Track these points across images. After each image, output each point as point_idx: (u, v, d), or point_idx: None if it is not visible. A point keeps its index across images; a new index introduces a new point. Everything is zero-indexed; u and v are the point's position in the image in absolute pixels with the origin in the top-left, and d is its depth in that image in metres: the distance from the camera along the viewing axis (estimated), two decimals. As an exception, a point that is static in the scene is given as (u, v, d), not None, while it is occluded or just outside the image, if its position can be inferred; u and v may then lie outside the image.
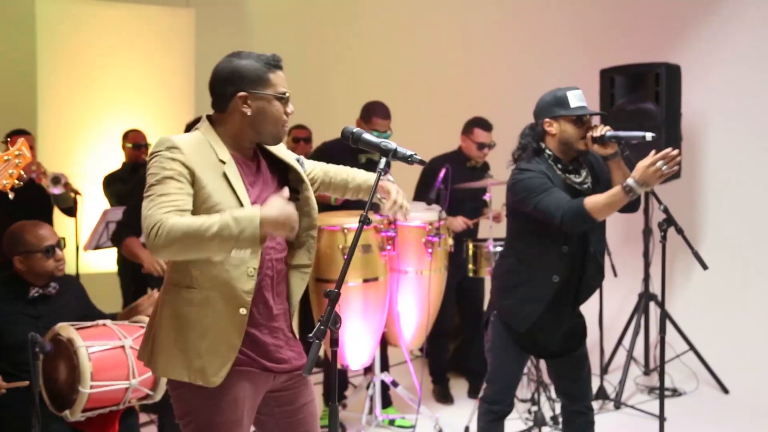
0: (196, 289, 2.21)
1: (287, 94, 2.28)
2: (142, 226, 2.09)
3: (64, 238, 3.55)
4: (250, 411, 2.32)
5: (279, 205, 2.09)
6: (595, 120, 3.22)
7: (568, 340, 3.25)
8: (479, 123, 4.96)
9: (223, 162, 2.22)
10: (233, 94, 2.24)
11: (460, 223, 4.80)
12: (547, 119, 3.10)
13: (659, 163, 2.80)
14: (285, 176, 2.42)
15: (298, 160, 2.46)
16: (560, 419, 4.25)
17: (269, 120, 2.26)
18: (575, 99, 3.08)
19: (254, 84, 2.24)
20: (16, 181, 2.22)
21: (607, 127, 3.08)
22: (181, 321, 2.22)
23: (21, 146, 2.25)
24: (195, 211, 2.15)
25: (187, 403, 2.26)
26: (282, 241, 2.35)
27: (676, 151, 2.81)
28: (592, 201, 2.91)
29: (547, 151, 3.11)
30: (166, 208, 2.07)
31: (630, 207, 3.15)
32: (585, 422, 3.28)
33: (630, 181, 2.84)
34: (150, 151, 2.19)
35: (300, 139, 5.92)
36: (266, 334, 2.30)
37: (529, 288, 3.13)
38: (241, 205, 2.19)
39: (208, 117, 2.33)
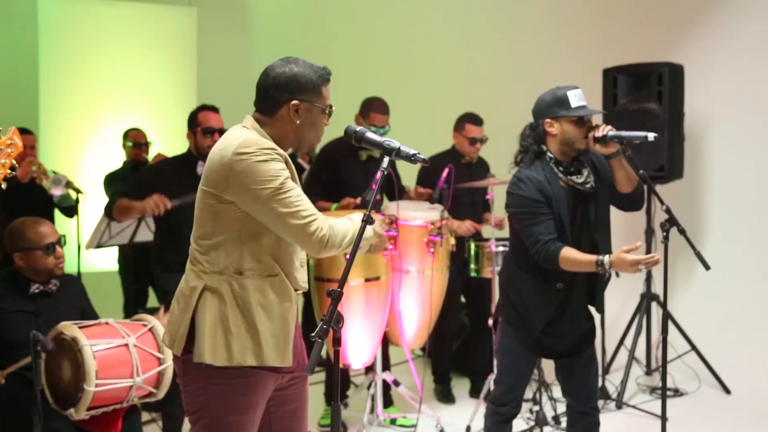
0: (277, 276, 2.29)
1: (333, 108, 2.37)
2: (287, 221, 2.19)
3: (64, 236, 3.55)
4: (260, 411, 2.34)
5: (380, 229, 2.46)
6: (597, 119, 3.22)
7: (578, 341, 3.25)
8: (470, 118, 4.97)
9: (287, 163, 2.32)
10: (287, 101, 2.28)
11: (468, 227, 4.80)
12: (547, 119, 3.08)
13: (642, 266, 2.86)
14: None
15: None
16: (561, 419, 4.28)
17: (313, 130, 2.35)
18: (576, 99, 3.07)
19: (308, 94, 2.30)
20: (9, 171, 2.21)
21: (609, 127, 3.07)
22: (266, 308, 2.28)
23: (12, 135, 2.23)
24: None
25: (201, 399, 2.27)
26: None
27: (658, 258, 2.86)
28: (566, 256, 2.95)
29: (549, 154, 3.10)
30: (313, 211, 2.25)
31: (633, 204, 3.14)
32: (590, 423, 3.27)
33: (606, 259, 2.90)
34: (240, 152, 2.20)
35: None
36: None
37: (534, 296, 3.13)
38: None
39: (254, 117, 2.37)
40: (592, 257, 2.93)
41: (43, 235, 3.38)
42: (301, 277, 2.38)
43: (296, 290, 2.35)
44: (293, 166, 2.31)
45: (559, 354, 3.23)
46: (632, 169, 3.10)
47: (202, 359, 2.23)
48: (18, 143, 2.27)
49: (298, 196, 2.21)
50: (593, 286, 3.20)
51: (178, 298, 2.35)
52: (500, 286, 3.32)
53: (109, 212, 4.13)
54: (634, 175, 3.09)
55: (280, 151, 2.25)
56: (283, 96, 2.28)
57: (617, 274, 4.66)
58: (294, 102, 2.27)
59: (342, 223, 2.31)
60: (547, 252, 2.97)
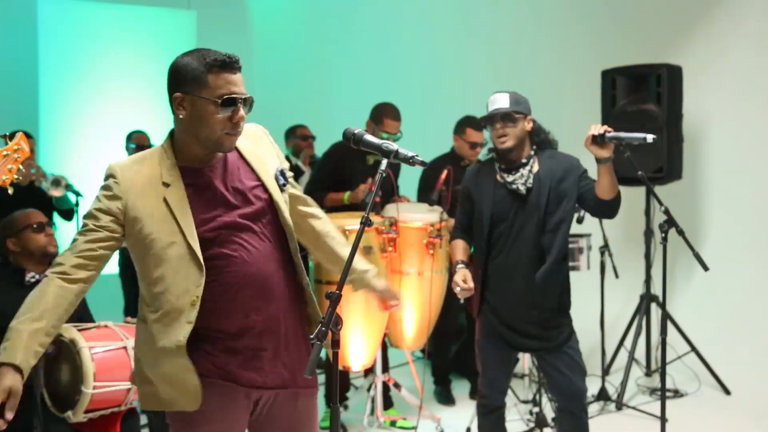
0: (144, 324, 2.22)
1: (228, 97, 2.07)
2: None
3: (55, 223, 3.60)
4: (232, 423, 2.23)
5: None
6: (596, 120, 3.24)
7: (542, 332, 3.26)
8: (471, 123, 4.98)
9: (166, 185, 2.13)
10: (171, 95, 2.14)
11: None
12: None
13: (457, 289, 3.16)
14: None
15: (282, 172, 2.33)
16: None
17: (205, 125, 2.09)
18: (490, 104, 3.35)
19: (188, 85, 2.09)
20: (15, 176, 2.21)
21: (606, 127, 3.07)
22: (139, 350, 2.26)
23: (19, 141, 2.24)
24: (135, 239, 2.15)
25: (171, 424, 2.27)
26: (273, 250, 2.24)
27: (470, 287, 3.18)
28: (453, 248, 3.38)
29: (492, 155, 3.37)
30: (62, 265, 2.13)
31: (609, 212, 3.19)
32: (577, 425, 3.26)
33: (461, 267, 3.24)
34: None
35: (308, 137, 5.92)
36: (248, 348, 2.21)
37: (494, 287, 3.30)
38: (182, 233, 2.10)
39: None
40: (457, 258, 3.30)
41: (32, 215, 3.45)
42: (184, 320, 2.12)
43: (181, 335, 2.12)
44: (145, 202, 2.13)
45: (524, 345, 3.32)
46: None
47: None
48: (25, 148, 2.27)
49: (82, 235, 2.15)
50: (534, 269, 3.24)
51: None
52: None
53: None
54: (617, 183, 3.11)
55: (118, 177, 2.15)
56: (170, 91, 2.13)
57: (617, 275, 4.69)
58: (176, 95, 2.11)
59: (36, 300, 2.19)
60: (451, 240, 3.42)
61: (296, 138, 6.33)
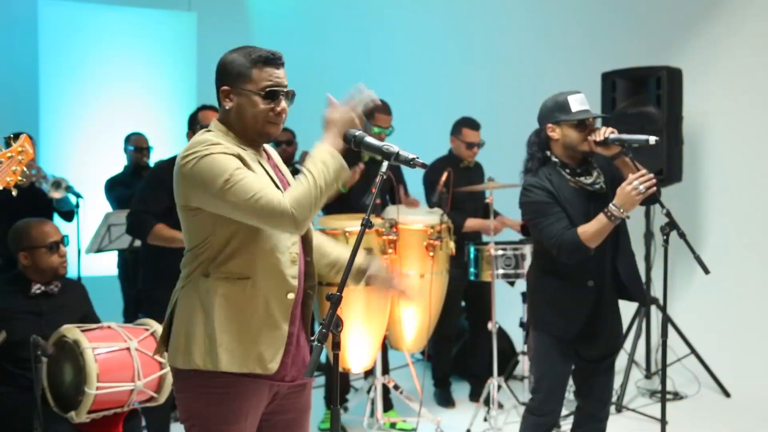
0: (249, 279, 2.19)
1: (271, 90, 2.21)
2: (258, 212, 2.09)
3: (67, 236, 3.59)
4: (254, 420, 2.29)
5: (338, 111, 2.25)
6: (597, 121, 3.23)
7: (611, 343, 3.25)
8: (467, 123, 4.99)
9: (255, 159, 2.24)
10: (218, 89, 2.25)
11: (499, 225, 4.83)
12: (549, 124, 3.12)
13: (635, 182, 2.88)
14: None
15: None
16: (561, 423, 4.27)
17: (249, 117, 2.22)
18: (576, 103, 3.10)
19: (235, 79, 2.22)
20: (20, 179, 2.22)
21: (610, 129, 3.09)
22: (231, 312, 2.19)
23: (23, 143, 2.24)
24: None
25: (193, 407, 2.25)
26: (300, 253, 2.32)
27: (650, 174, 2.91)
28: (583, 231, 2.98)
29: (553, 158, 3.13)
30: (265, 188, 2.11)
31: (648, 199, 3.09)
32: (599, 430, 3.27)
33: (611, 206, 2.93)
34: (185, 155, 2.16)
35: (281, 142, 5.75)
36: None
37: (566, 299, 3.13)
38: (281, 190, 2.19)
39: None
40: (600, 215, 2.95)
41: (47, 233, 3.42)
42: (291, 273, 2.25)
43: (288, 292, 2.24)
44: (255, 159, 2.22)
45: (593, 358, 3.21)
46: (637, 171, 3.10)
47: (171, 362, 2.24)
48: (29, 150, 2.28)
49: (251, 182, 2.11)
50: (619, 279, 3.19)
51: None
52: (528, 295, 3.34)
53: (140, 235, 4.08)
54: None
55: (227, 145, 2.16)
56: (217, 84, 2.26)
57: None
58: (223, 88, 2.24)
59: (300, 183, 2.14)
60: (565, 241, 2.98)
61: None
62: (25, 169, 2.18)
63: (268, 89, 2.21)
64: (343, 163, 2.18)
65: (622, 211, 2.92)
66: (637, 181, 2.89)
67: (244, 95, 2.21)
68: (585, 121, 3.10)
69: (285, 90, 2.25)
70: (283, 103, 2.25)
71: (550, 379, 3.19)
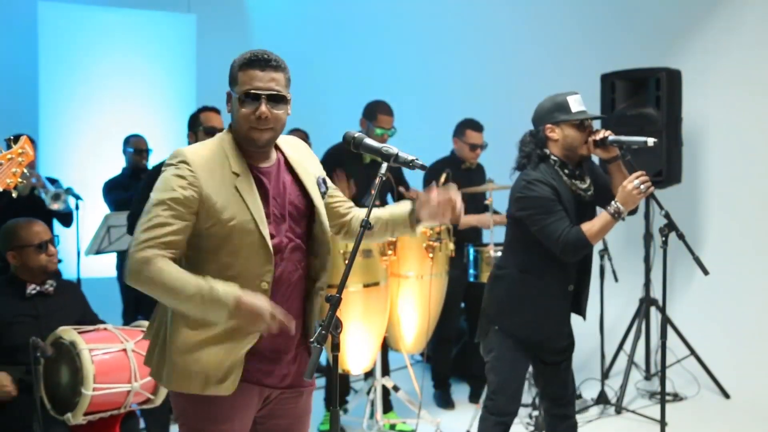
0: None
1: (249, 93, 2.14)
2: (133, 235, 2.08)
3: (58, 236, 3.59)
4: (244, 421, 2.26)
5: (261, 301, 2.06)
6: (595, 123, 3.24)
7: (566, 344, 3.27)
8: (470, 124, 4.99)
9: (236, 174, 2.16)
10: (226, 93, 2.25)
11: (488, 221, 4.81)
12: (548, 125, 3.10)
13: (636, 182, 2.91)
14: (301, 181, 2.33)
15: (324, 180, 2.39)
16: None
17: (235, 120, 2.20)
18: (576, 103, 3.09)
19: (230, 83, 2.21)
20: (20, 180, 2.22)
21: (608, 132, 3.10)
22: (183, 329, 2.15)
23: (24, 144, 2.24)
24: (210, 226, 2.12)
25: (180, 407, 2.25)
26: (301, 258, 2.29)
27: (645, 175, 2.96)
28: (588, 228, 2.98)
29: (553, 157, 3.11)
30: (159, 244, 2.05)
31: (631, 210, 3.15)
32: (571, 425, 3.29)
33: (615, 204, 2.95)
34: (164, 161, 2.17)
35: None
36: (270, 350, 2.25)
37: (546, 301, 3.13)
38: (254, 219, 2.13)
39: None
40: (604, 213, 2.98)
41: (35, 233, 3.42)
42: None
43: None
44: (219, 191, 2.13)
45: (551, 360, 3.23)
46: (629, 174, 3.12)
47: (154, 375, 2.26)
48: (29, 152, 2.27)
49: (156, 216, 2.07)
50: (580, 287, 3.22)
51: None
52: (490, 296, 3.26)
53: None
54: None
55: (192, 164, 2.11)
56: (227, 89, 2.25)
57: (616, 279, 4.69)
58: (227, 92, 2.23)
59: (184, 276, 2.06)
60: (571, 239, 2.96)
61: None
62: (25, 170, 2.17)
63: (245, 92, 2.14)
64: (212, 316, 2.08)
65: (622, 209, 2.93)
66: (637, 181, 2.92)
67: (232, 99, 2.20)
68: (584, 123, 3.09)
69: (266, 93, 2.14)
70: (263, 107, 2.14)
71: (513, 380, 3.19)
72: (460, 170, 4.91)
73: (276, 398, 2.31)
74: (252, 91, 2.14)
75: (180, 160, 2.13)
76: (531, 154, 3.13)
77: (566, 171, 3.10)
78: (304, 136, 5.76)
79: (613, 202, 2.95)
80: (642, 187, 2.91)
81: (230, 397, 2.18)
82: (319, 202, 2.32)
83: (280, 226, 2.23)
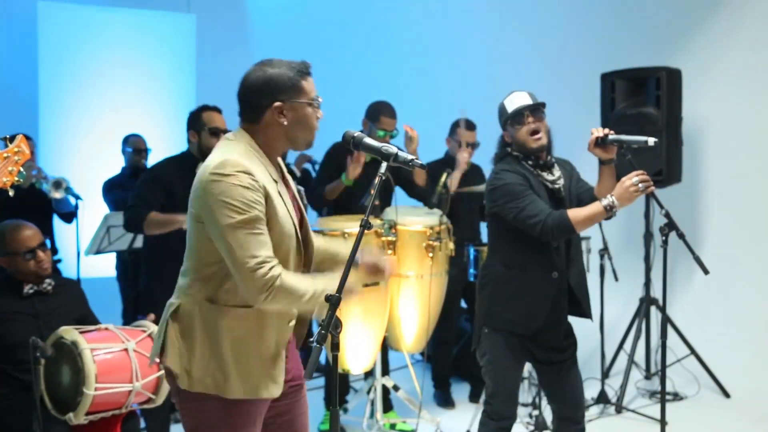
0: (252, 308, 2.18)
1: (320, 99, 2.29)
2: (241, 264, 2.07)
3: (47, 240, 3.56)
4: (261, 423, 2.31)
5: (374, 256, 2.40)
6: (595, 123, 3.24)
7: (565, 342, 3.25)
8: (462, 123, 4.99)
9: (275, 181, 2.23)
10: (268, 105, 2.21)
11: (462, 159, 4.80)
12: (503, 132, 3.22)
13: (635, 179, 2.90)
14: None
15: (300, 192, 2.46)
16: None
17: (305, 128, 2.26)
18: (511, 103, 3.16)
19: (288, 93, 2.22)
20: (16, 179, 2.21)
21: (607, 130, 3.10)
22: (237, 341, 2.19)
23: (20, 143, 2.23)
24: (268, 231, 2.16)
25: (201, 416, 2.23)
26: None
27: (645, 174, 2.94)
28: (574, 213, 2.98)
29: (514, 153, 3.18)
30: (272, 257, 2.11)
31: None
32: (578, 431, 3.25)
33: (610, 198, 2.93)
34: (217, 172, 2.11)
35: None
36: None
37: (530, 292, 3.12)
38: (294, 224, 2.23)
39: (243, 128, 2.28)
40: (598, 204, 2.95)
41: (23, 240, 3.37)
42: None
43: (290, 320, 2.28)
44: (275, 187, 2.21)
45: (549, 358, 3.20)
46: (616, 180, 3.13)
47: (175, 379, 2.22)
48: (25, 151, 2.26)
49: (260, 237, 2.09)
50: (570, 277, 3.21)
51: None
52: (480, 294, 3.26)
53: (136, 227, 4.10)
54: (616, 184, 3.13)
55: (261, 182, 2.14)
56: (264, 101, 2.21)
57: (616, 278, 4.69)
58: (276, 104, 2.21)
59: (301, 280, 2.16)
60: (553, 221, 2.96)
61: None
62: (22, 169, 2.16)
63: (315, 98, 2.28)
64: (321, 311, 2.11)
65: (616, 204, 2.92)
66: (637, 178, 2.90)
67: (300, 108, 2.24)
68: (523, 118, 3.12)
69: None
70: (320, 110, 2.32)
71: (508, 382, 3.18)
72: (454, 170, 4.89)
73: (284, 394, 2.33)
74: (319, 98, 2.30)
75: (243, 170, 2.12)
76: (496, 155, 3.26)
77: (529, 162, 3.14)
78: None
79: (609, 195, 2.93)
80: (641, 185, 2.90)
81: (251, 402, 2.22)
82: (302, 203, 2.42)
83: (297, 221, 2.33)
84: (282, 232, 2.19)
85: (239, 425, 2.23)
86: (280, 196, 2.22)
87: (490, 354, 3.18)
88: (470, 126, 4.98)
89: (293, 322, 2.29)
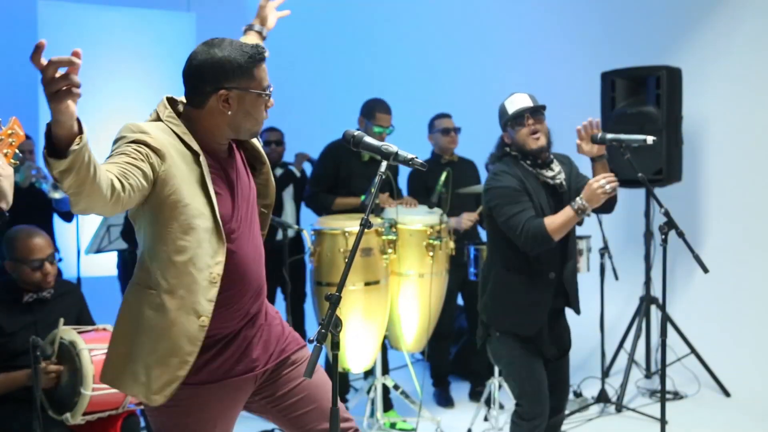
0: (155, 291, 2.06)
1: (271, 89, 2.14)
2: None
3: (57, 250, 3.52)
4: (227, 423, 2.24)
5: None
6: (587, 119, 3.25)
7: (564, 339, 3.29)
8: (436, 116, 5.07)
9: (196, 155, 2.08)
10: (214, 92, 2.08)
11: (465, 221, 4.79)
12: (503, 133, 3.24)
13: (602, 181, 2.95)
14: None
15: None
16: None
17: (250, 118, 2.12)
18: (512, 105, 3.19)
19: (236, 80, 2.07)
20: (14, 161, 2.16)
21: (593, 119, 3.19)
22: (134, 326, 2.09)
23: (13, 125, 2.15)
24: (156, 201, 2.02)
25: (158, 422, 2.19)
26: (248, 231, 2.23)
27: (613, 175, 3.00)
28: (550, 222, 3.02)
29: (512, 153, 3.21)
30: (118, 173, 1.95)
31: (608, 208, 3.19)
32: (561, 419, 3.34)
33: (578, 200, 2.98)
34: (116, 136, 2.05)
35: (271, 142, 5.72)
36: (237, 339, 2.21)
37: (531, 293, 3.14)
38: (211, 206, 2.06)
39: (172, 104, 2.17)
40: (567, 208, 3.01)
41: (32, 250, 3.29)
42: (206, 295, 2.05)
43: (200, 316, 2.05)
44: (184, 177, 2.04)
45: (553, 356, 3.25)
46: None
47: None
48: (19, 132, 2.19)
49: (120, 155, 1.96)
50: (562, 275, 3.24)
51: None
52: (484, 296, 3.27)
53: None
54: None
55: (149, 132, 2.01)
56: (209, 86, 2.06)
57: (616, 277, 4.68)
58: (222, 92, 2.06)
59: None
60: (530, 228, 3.00)
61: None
62: (17, 151, 2.06)
63: (266, 88, 2.14)
64: None
65: (587, 206, 2.97)
66: (604, 180, 2.96)
67: (249, 97, 2.10)
68: (523, 120, 3.14)
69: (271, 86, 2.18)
70: (271, 99, 2.18)
71: (532, 380, 3.17)
72: (442, 166, 4.88)
73: (269, 371, 2.28)
74: (270, 88, 2.14)
75: (136, 130, 2.08)
76: (493, 155, 3.29)
77: (528, 161, 3.16)
78: (280, 136, 5.71)
79: (578, 198, 3.00)
80: (607, 187, 2.95)
81: (207, 404, 2.16)
82: (265, 158, 2.38)
83: (242, 206, 2.25)
84: (191, 205, 2.04)
85: (196, 425, 2.17)
86: (199, 172, 2.07)
87: (508, 356, 3.21)
88: (444, 114, 5.06)
89: (204, 320, 2.07)
